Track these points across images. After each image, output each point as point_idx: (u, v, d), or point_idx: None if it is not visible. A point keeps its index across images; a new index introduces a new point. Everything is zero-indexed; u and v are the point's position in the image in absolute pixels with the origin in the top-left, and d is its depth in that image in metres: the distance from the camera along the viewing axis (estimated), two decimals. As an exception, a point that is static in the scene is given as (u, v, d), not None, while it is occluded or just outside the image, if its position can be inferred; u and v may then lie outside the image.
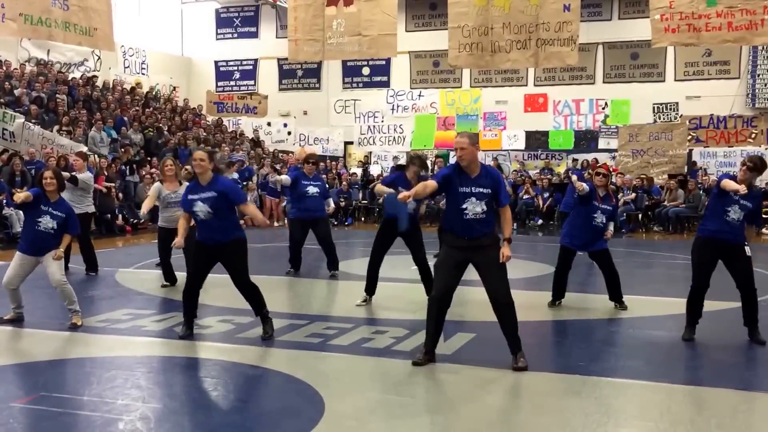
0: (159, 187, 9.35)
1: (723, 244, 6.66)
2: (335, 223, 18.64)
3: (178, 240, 6.80)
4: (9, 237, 13.84)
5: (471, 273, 5.89)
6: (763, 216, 17.46)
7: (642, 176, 19.53)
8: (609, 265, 8.16)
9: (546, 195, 19.85)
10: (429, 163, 14.42)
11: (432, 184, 5.73)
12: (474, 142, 5.73)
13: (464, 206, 5.65)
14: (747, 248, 6.66)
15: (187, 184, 9.17)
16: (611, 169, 8.51)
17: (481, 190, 5.66)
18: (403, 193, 5.65)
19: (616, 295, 8.20)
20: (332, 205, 11.22)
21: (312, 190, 10.34)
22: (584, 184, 8.05)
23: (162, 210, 9.32)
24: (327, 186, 11.36)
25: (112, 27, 14.69)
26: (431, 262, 8.00)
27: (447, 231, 5.88)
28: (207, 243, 6.56)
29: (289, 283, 10.01)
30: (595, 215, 8.06)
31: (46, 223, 7.06)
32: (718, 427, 4.63)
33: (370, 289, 8.40)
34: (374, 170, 22.65)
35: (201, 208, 6.44)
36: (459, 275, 5.81)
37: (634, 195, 18.74)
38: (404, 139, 23.80)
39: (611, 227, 8.35)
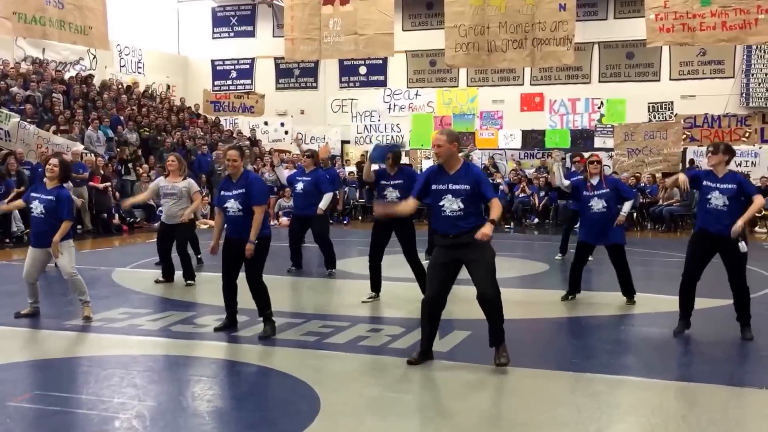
0: (158, 180, 9.69)
1: (712, 236, 6.66)
2: (331, 221, 18.65)
3: (213, 245, 6.92)
4: (10, 235, 13.84)
5: (465, 271, 5.92)
6: (757, 215, 17.66)
7: (637, 174, 19.61)
8: (620, 262, 8.25)
9: (542, 194, 19.90)
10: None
11: (411, 203, 5.91)
12: (452, 140, 5.73)
13: (441, 203, 5.67)
14: (742, 244, 6.61)
15: (190, 179, 9.49)
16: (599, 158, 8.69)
17: (456, 187, 5.64)
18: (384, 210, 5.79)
19: (627, 291, 8.33)
20: (321, 205, 10.23)
21: (298, 186, 10.32)
22: (566, 181, 8.37)
23: (162, 202, 9.64)
24: (326, 180, 10.55)
25: (107, 26, 14.70)
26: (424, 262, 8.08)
27: (434, 229, 5.91)
28: (233, 237, 6.70)
29: (286, 281, 10.03)
30: (591, 203, 8.20)
31: (35, 208, 7.17)
32: (710, 423, 4.67)
33: (376, 286, 8.45)
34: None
35: (232, 205, 6.62)
36: (451, 276, 5.78)
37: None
38: (401, 138, 23.84)
39: (625, 207, 8.40)
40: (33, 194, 7.25)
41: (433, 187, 5.72)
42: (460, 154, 5.99)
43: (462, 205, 5.63)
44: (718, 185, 6.68)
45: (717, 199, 6.65)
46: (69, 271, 7.20)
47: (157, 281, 9.55)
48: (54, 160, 7.37)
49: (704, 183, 6.76)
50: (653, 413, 4.85)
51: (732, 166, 7.05)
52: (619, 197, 8.33)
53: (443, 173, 5.74)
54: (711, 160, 6.82)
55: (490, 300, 5.61)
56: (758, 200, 6.74)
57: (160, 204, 9.90)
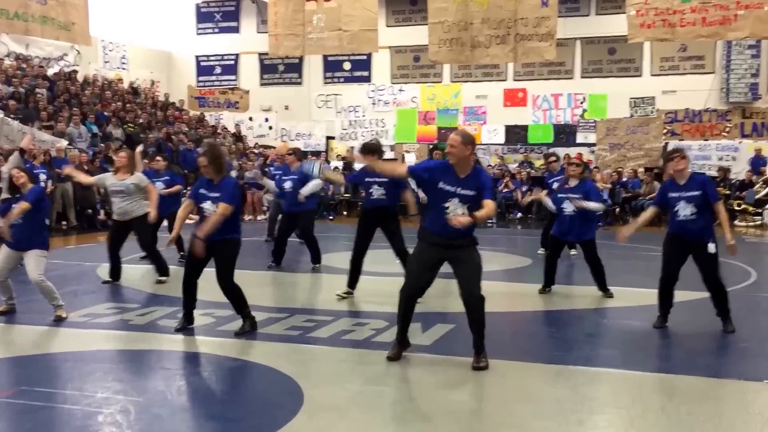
0: (106, 176, 9.42)
1: (685, 241, 6.77)
2: (316, 216, 18.69)
3: (173, 237, 6.98)
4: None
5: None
6: (736, 209, 17.86)
7: (619, 169, 19.77)
8: (592, 256, 8.40)
9: (525, 189, 20.02)
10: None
11: (402, 168, 5.76)
12: (467, 142, 5.57)
13: (446, 205, 5.54)
14: (711, 246, 6.67)
15: (139, 173, 9.28)
16: (585, 161, 8.88)
17: (465, 192, 5.53)
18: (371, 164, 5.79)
19: (600, 285, 8.46)
20: (303, 191, 10.11)
21: (287, 185, 10.36)
22: (553, 207, 8.67)
23: (112, 201, 9.30)
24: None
25: (89, 21, 14.63)
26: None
27: (426, 228, 5.79)
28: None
29: (270, 276, 10.06)
30: (563, 206, 8.40)
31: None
32: (689, 414, 4.75)
33: (352, 282, 8.46)
34: (357, 165, 22.74)
35: (209, 207, 6.55)
36: (432, 273, 5.75)
37: (610, 185, 18.97)
38: (386, 133, 23.87)
39: (592, 206, 8.35)
40: (15, 205, 7.19)
41: (440, 185, 5.57)
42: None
43: (466, 211, 5.51)
44: (681, 194, 6.69)
45: (684, 209, 6.67)
46: (35, 278, 7.15)
47: (104, 282, 9.26)
48: (15, 171, 7.42)
49: (669, 196, 6.79)
50: (633, 404, 4.93)
51: (713, 161, 7.15)
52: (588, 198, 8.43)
53: (453, 174, 5.59)
54: (680, 164, 6.75)
55: (476, 300, 5.58)
56: (722, 209, 6.83)
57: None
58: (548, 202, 9.07)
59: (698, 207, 6.65)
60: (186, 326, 6.81)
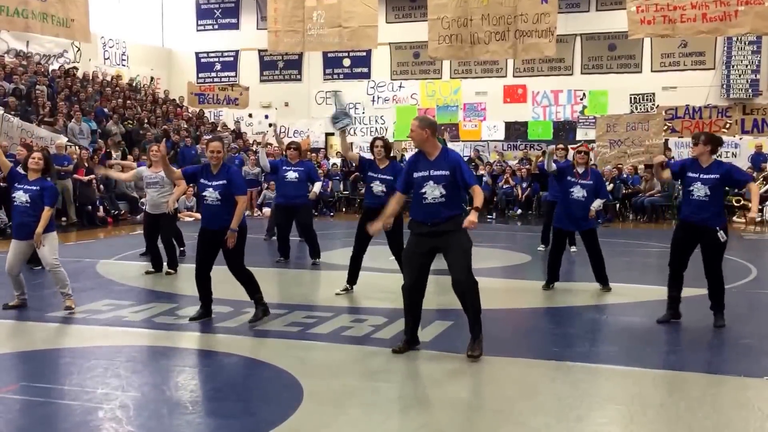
0: (142, 169, 9.98)
1: (694, 227, 6.77)
2: (316, 213, 18.73)
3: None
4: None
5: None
6: (736, 205, 17.86)
7: (619, 165, 19.75)
8: (593, 246, 8.44)
9: (525, 185, 20.02)
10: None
11: (399, 199, 6.09)
12: (425, 125, 5.78)
13: (423, 190, 5.71)
14: (721, 233, 6.67)
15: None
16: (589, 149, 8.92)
17: (437, 173, 5.69)
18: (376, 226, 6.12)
19: (600, 277, 8.49)
20: (315, 189, 10.76)
21: (290, 175, 10.39)
22: (554, 165, 8.65)
23: (147, 192, 9.85)
24: (315, 171, 11.17)
25: (89, 18, 14.59)
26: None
27: (412, 218, 5.91)
28: (209, 228, 6.82)
29: (270, 272, 10.05)
30: (573, 189, 8.43)
31: (20, 197, 7.23)
32: (687, 410, 4.74)
33: (352, 279, 8.47)
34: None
35: (210, 194, 6.75)
36: (428, 263, 5.82)
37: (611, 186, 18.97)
38: (385, 130, 23.88)
39: (596, 203, 8.55)
40: (17, 185, 7.29)
41: (415, 175, 5.77)
42: None
43: (444, 191, 5.67)
44: (700, 176, 6.76)
45: (699, 190, 6.73)
46: (51, 262, 7.22)
47: (147, 272, 9.66)
48: (38, 154, 7.47)
49: (688, 174, 6.84)
50: (632, 401, 4.92)
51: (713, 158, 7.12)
52: (596, 191, 8.56)
53: (424, 160, 5.80)
54: (693, 151, 6.91)
55: (463, 285, 5.63)
56: (754, 187, 7.04)
57: (143, 196, 10.12)
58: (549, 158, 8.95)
59: (712, 190, 6.70)
60: (202, 317, 6.97)
